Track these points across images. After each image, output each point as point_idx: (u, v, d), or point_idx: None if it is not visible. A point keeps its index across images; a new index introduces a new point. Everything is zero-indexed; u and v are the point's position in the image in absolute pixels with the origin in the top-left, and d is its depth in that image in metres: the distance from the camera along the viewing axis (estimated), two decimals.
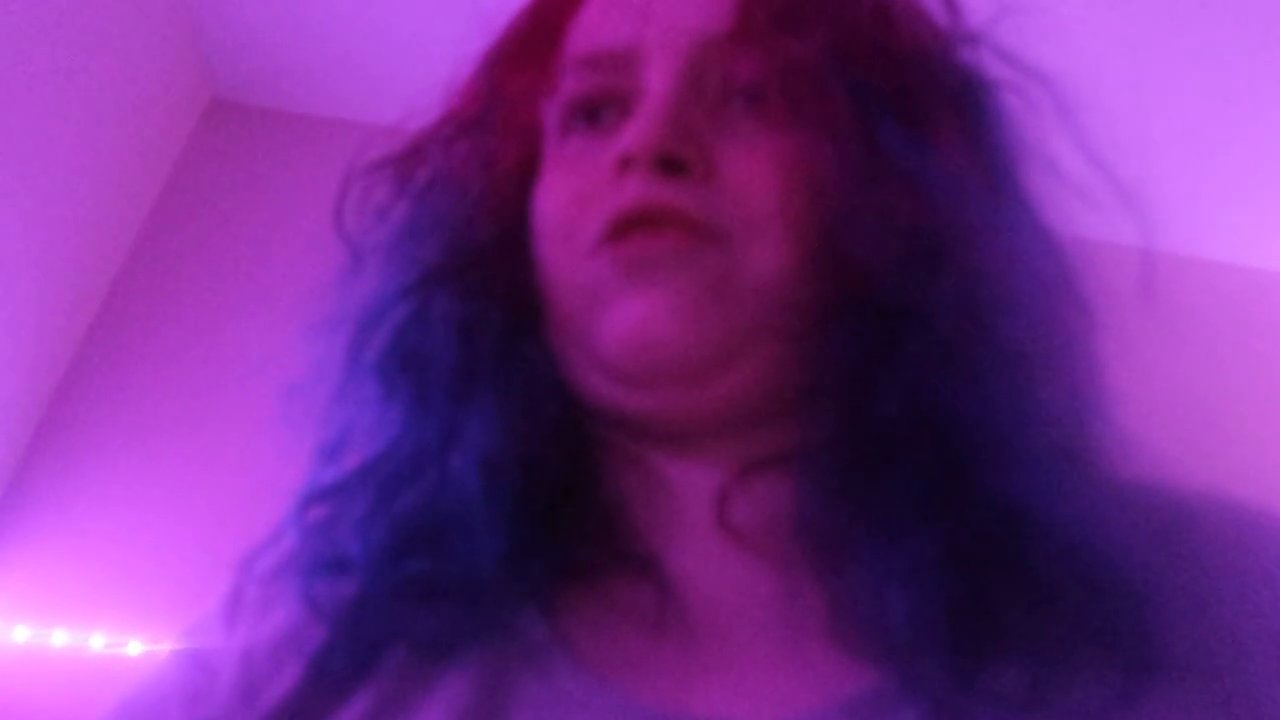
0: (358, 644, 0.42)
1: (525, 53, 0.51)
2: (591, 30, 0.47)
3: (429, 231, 0.49)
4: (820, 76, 0.43)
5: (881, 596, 0.37)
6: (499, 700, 0.39)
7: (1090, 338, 0.43)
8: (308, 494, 0.46)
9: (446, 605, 0.42)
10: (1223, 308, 2.11)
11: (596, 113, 0.46)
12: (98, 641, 1.68)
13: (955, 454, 0.38)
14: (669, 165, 0.42)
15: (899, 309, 0.40)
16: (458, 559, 0.42)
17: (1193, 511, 0.41)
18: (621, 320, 0.41)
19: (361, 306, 0.48)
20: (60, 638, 1.69)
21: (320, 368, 0.48)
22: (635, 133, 0.42)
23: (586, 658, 0.40)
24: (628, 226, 0.42)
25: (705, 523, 0.43)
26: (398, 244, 0.49)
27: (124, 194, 2.02)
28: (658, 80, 0.44)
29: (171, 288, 2.00)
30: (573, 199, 0.45)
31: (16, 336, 1.77)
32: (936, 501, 0.37)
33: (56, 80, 1.73)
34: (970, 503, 0.37)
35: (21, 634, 1.71)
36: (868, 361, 0.41)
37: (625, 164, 0.42)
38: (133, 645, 1.66)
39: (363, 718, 0.39)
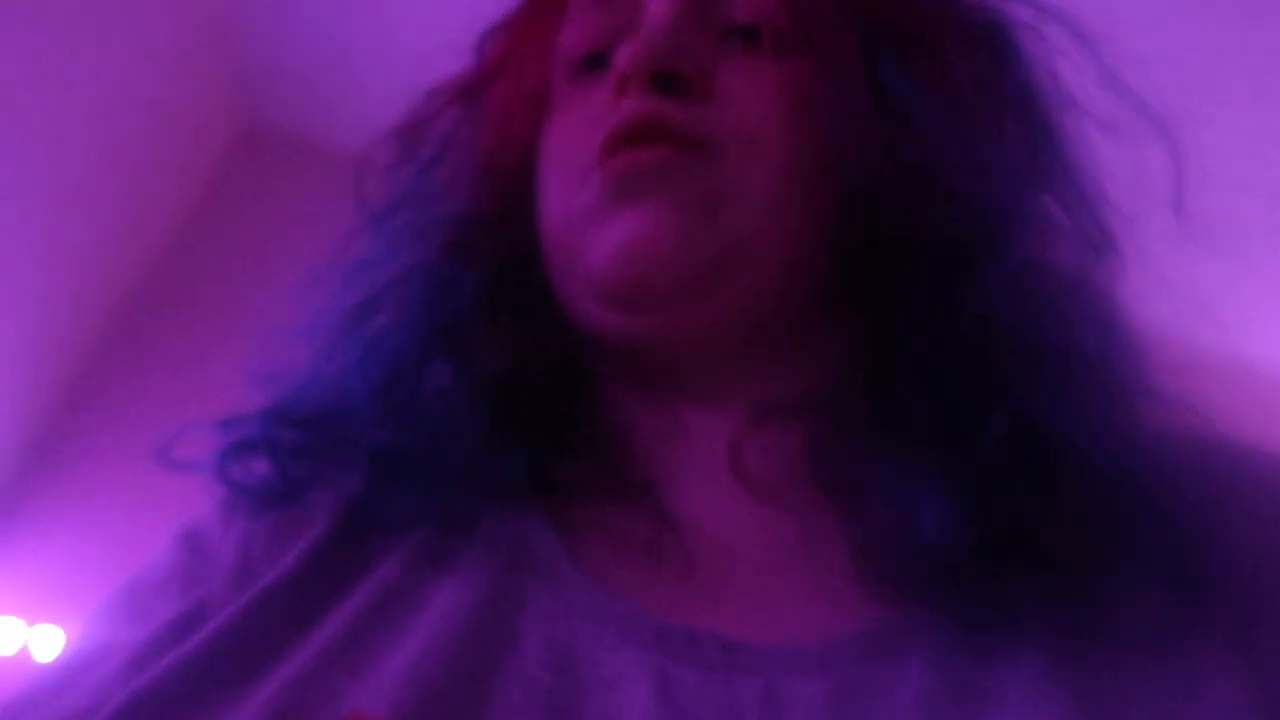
0: (355, 539, 0.41)
1: (532, 17, 0.51)
2: None
3: (435, 199, 0.49)
4: (824, 12, 0.43)
5: (911, 521, 0.36)
6: (505, 604, 0.38)
7: (1119, 280, 0.43)
8: (291, 400, 0.46)
9: (435, 492, 0.41)
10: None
11: (601, 58, 0.46)
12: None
13: (988, 377, 0.37)
14: (666, 82, 0.41)
15: (904, 239, 0.40)
16: (439, 445, 0.42)
17: (1238, 455, 0.40)
18: (610, 237, 0.40)
19: (362, 265, 0.48)
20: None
21: (315, 321, 0.48)
22: (630, 50, 0.42)
23: (589, 569, 0.40)
24: (621, 141, 0.41)
25: (717, 467, 0.42)
26: (405, 204, 0.50)
27: (153, 211, 2.05)
28: (656, 4, 0.44)
29: (185, 304, 2.02)
30: (571, 130, 0.45)
31: (32, 349, 1.79)
32: (967, 425, 0.37)
33: (90, 103, 1.77)
34: (1003, 426, 0.36)
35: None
36: (883, 293, 0.40)
37: (621, 84, 0.42)
38: None
39: (361, 612, 0.38)
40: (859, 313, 0.43)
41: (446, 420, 0.43)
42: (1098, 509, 0.35)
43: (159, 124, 1.98)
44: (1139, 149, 0.44)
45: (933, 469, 0.36)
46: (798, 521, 0.40)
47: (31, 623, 1.75)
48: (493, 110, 0.50)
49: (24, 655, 1.72)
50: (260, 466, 0.44)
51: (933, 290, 0.39)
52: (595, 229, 0.41)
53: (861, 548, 0.38)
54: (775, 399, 0.42)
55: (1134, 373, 0.40)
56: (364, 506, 0.42)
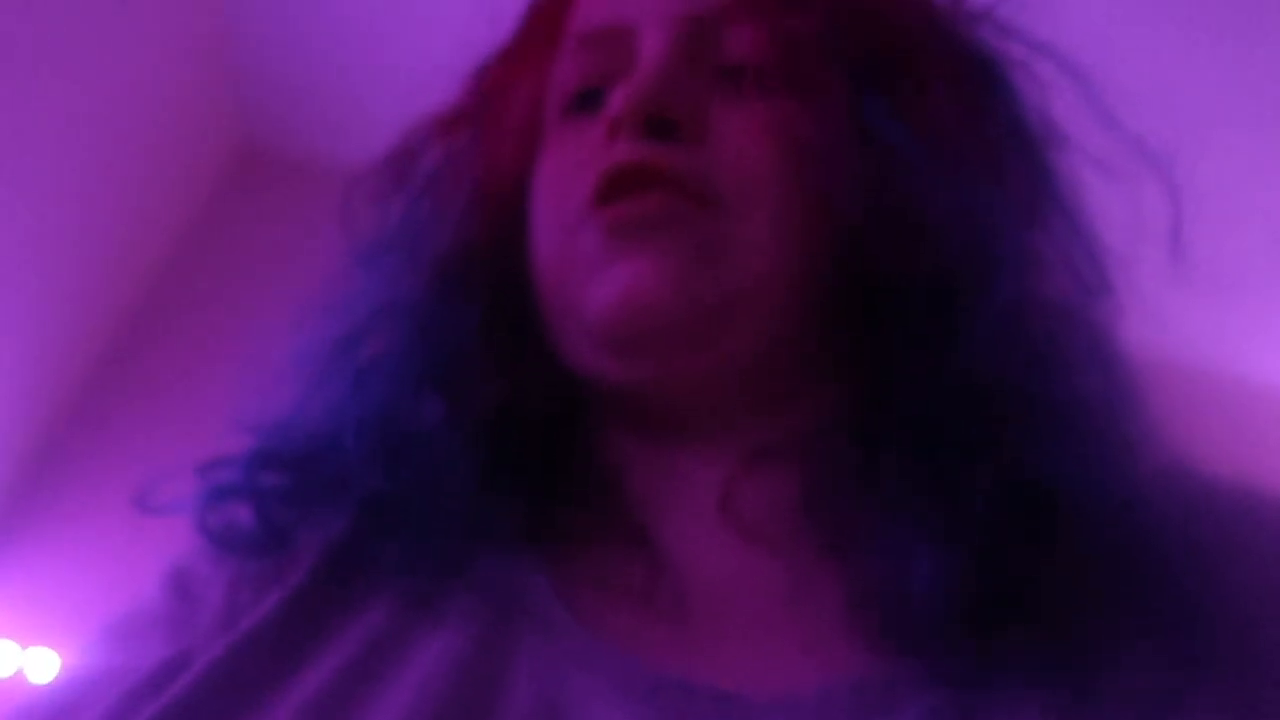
0: (339, 584, 0.41)
1: (526, 51, 0.51)
2: (590, 9, 0.47)
3: (424, 233, 0.49)
4: (814, 51, 0.42)
5: (903, 573, 0.35)
6: (496, 653, 0.38)
7: (1115, 319, 0.42)
8: (272, 443, 0.45)
9: (425, 540, 0.41)
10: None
11: (594, 97, 0.45)
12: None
13: (984, 428, 0.37)
14: (658, 127, 0.41)
15: (895, 282, 0.40)
16: (430, 491, 0.41)
17: (1235, 498, 0.40)
18: (609, 285, 0.40)
19: (352, 300, 0.48)
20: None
21: (302, 355, 0.47)
22: (623, 94, 0.41)
23: (585, 620, 0.39)
24: (614, 187, 0.41)
25: (709, 512, 0.41)
26: (395, 239, 0.49)
27: (151, 230, 2.05)
28: (650, 47, 0.43)
29: (183, 326, 2.01)
30: (564, 170, 0.44)
31: (29, 372, 1.78)
32: (961, 477, 0.36)
33: (88, 123, 1.77)
34: (998, 479, 0.36)
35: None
36: (875, 336, 0.40)
37: (614, 127, 0.42)
38: None
39: (348, 663, 0.38)
40: (853, 356, 0.42)
41: (439, 465, 0.42)
42: (1095, 564, 0.35)
43: (156, 143, 1.98)
44: (1134, 186, 0.43)
45: (923, 522, 0.36)
46: (792, 566, 0.39)
47: (25, 645, 1.74)
48: (484, 142, 0.50)
49: (19, 678, 1.71)
50: (243, 513, 0.43)
51: (919, 336, 0.39)
52: (592, 276, 0.41)
53: (855, 597, 0.37)
54: (769, 442, 0.42)
55: (1132, 414, 0.40)
56: (349, 549, 0.42)
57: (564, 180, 0.44)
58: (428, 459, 0.42)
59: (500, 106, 0.50)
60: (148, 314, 2.06)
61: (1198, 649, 0.34)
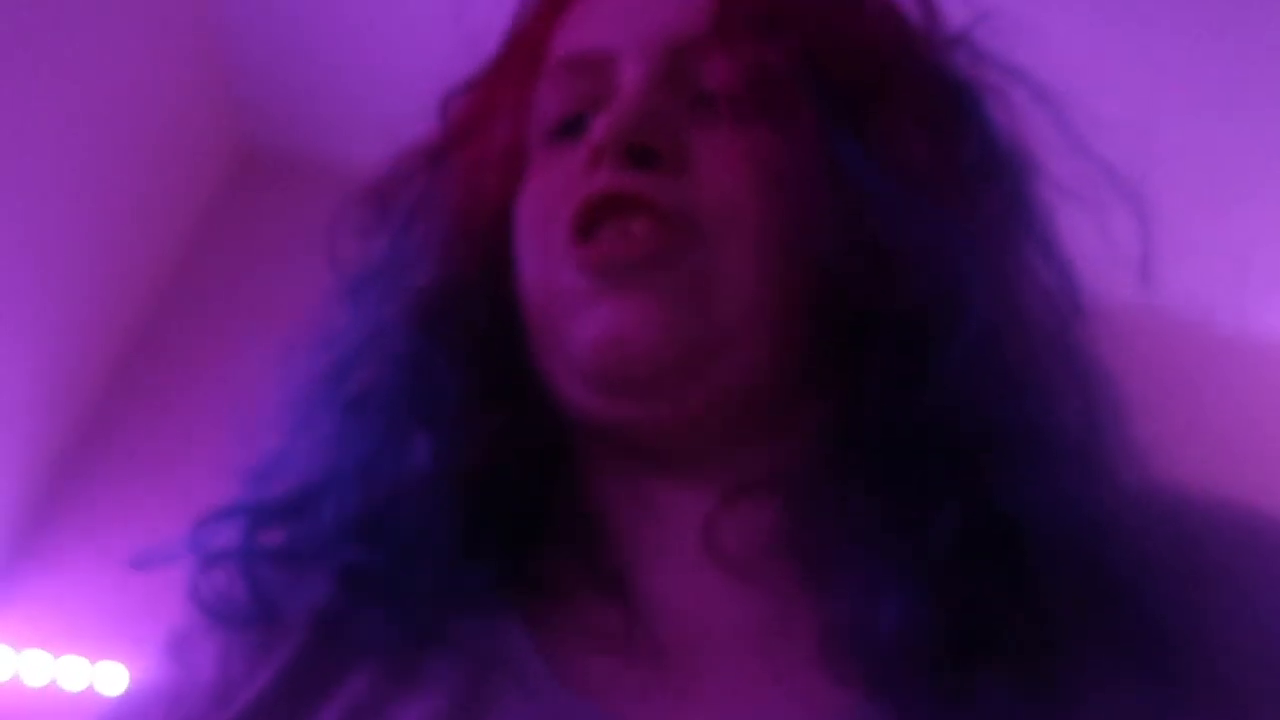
0: (326, 654, 0.42)
1: (507, 76, 0.51)
2: (571, 36, 0.48)
3: (408, 264, 0.49)
4: (789, 82, 0.43)
5: (871, 613, 0.36)
6: (476, 708, 0.39)
7: (1092, 343, 0.42)
8: (256, 505, 0.46)
9: (406, 609, 0.42)
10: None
11: (576, 123, 0.46)
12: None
13: (953, 463, 0.37)
14: (639, 156, 0.41)
15: (869, 314, 0.40)
16: (410, 558, 0.42)
17: (1208, 519, 0.40)
18: (593, 327, 0.40)
19: (338, 336, 0.48)
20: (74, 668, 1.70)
21: (289, 392, 0.48)
22: (604, 123, 0.42)
23: (563, 674, 0.40)
24: (595, 216, 0.41)
25: (690, 547, 0.42)
26: (380, 272, 0.49)
27: (154, 236, 2.06)
28: (630, 76, 0.43)
29: (200, 326, 2.02)
30: (546, 198, 0.44)
31: (46, 375, 1.80)
32: (927, 516, 0.37)
33: (87, 127, 1.77)
34: (965, 515, 0.36)
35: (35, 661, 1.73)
36: (851, 368, 0.40)
37: (595, 155, 0.42)
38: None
39: None
40: (831, 389, 0.42)
41: (420, 530, 0.43)
42: (1067, 594, 0.35)
43: (156, 145, 1.98)
44: (1105, 214, 0.43)
45: (891, 560, 0.36)
46: (771, 601, 0.40)
47: (58, 655, 1.76)
48: (464, 170, 0.50)
49: (52, 687, 1.73)
50: (235, 584, 0.44)
51: (889, 369, 0.39)
52: (577, 315, 0.41)
53: (829, 632, 0.38)
54: (751, 476, 0.42)
55: (1111, 434, 0.40)
56: (335, 619, 0.43)
57: (546, 210, 0.44)
58: (410, 522, 0.43)
59: (482, 134, 0.50)
60: (160, 315, 2.06)
61: (1175, 672, 0.34)
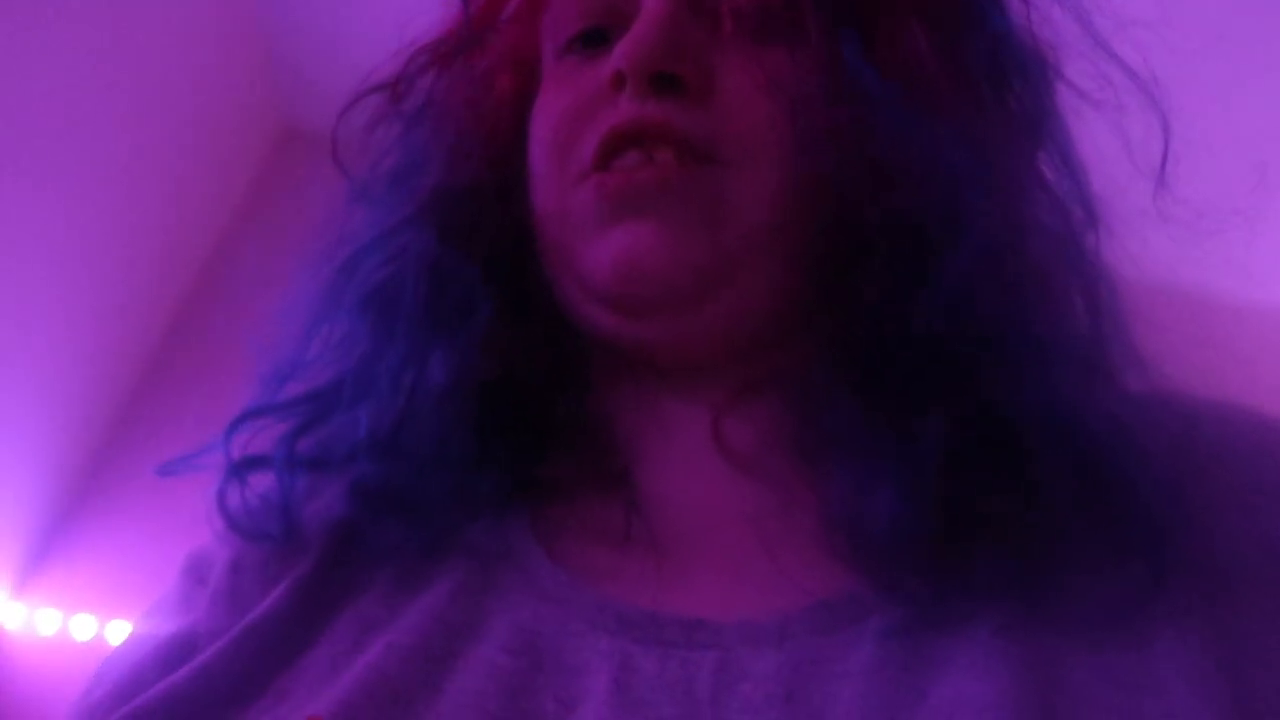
0: (341, 567, 0.42)
1: None
2: None
3: (421, 164, 0.49)
4: None
5: (865, 505, 0.36)
6: (476, 593, 0.39)
7: (1099, 249, 0.42)
8: (271, 406, 0.47)
9: (422, 519, 0.42)
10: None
11: (593, 33, 0.45)
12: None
13: (949, 366, 0.38)
14: (664, 83, 0.40)
15: (877, 226, 0.40)
16: (428, 469, 0.43)
17: (1204, 414, 0.40)
18: (607, 250, 0.40)
19: (350, 242, 0.48)
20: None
21: (305, 303, 0.48)
22: (627, 47, 0.41)
23: (563, 561, 0.41)
24: (620, 146, 0.41)
25: (695, 445, 0.42)
26: (391, 176, 0.49)
27: (197, 217, 2.09)
28: None
29: (242, 300, 2.05)
30: (566, 117, 0.44)
31: (90, 350, 1.83)
32: (921, 413, 0.37)
33: (129, 106, 1.80)
34: (953, 417, 0.37)
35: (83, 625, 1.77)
36: (859, 277, 0.40)
37: (618, 80, 0.41)
38: None
39: (347, 634, 0.39)
40: (839, 302, 0.42)
41: (438, 440, 0.43)
42: (1060, 489, 0.35)
43: (198, 128, 2.01)
44: (1126, 117, 0.42)
45: (886, 452, 0.37)
46: (771, 493, 0.40)
47: (105, 619, 1.80)
48: (479, 71, 0.49)
49: (100, 650, 1.77)
50: (260, 495, 0.45)
51: (891, 276, 0.39)
52: (591, 236, 0.41)
53: (826, 522, 0.38)
54: (757, 377, 0.42)
55: (1116, 340, 0.40)
56: (350, 535, 0.43)
57: (563, 129, 0.43)
58: (429, 433, 0.43)
59: (496, 34, 0.49)
60: (203, 290, 2.10)
61: (1165, 558, 0.34)
